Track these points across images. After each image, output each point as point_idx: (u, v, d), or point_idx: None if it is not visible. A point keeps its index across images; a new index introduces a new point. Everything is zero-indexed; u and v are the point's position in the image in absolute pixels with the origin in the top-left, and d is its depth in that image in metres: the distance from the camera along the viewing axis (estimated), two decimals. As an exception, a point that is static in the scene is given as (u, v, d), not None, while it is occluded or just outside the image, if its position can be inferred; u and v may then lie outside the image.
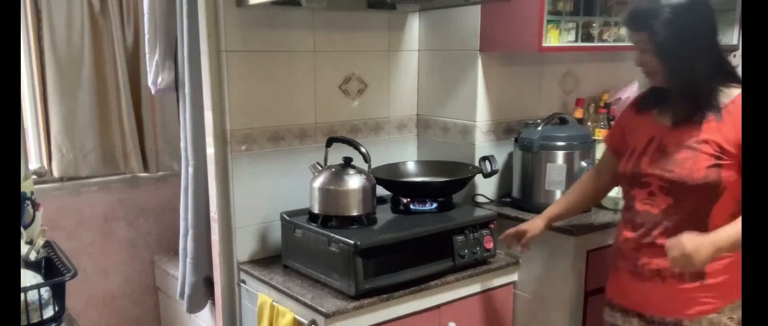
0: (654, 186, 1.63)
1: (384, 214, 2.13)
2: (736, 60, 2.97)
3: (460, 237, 2.04)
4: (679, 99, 1.60)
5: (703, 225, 1.56)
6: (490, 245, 2.11)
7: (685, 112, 1.59)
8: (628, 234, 1.71)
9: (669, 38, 1.54)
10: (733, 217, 1.54)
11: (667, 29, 1.54)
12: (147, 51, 2.59)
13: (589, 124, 2.54)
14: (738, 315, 1.61)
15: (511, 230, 1.99)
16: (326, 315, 1.78)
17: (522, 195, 2.31)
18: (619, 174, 1.76)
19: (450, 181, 2.22)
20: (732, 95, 1.56)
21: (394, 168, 2.37)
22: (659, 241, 1.62)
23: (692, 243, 1.46)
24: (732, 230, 1.48)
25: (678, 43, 1.55)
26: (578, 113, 2.52)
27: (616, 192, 2.01)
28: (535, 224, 1.96)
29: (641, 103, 1.76)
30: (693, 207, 1.58)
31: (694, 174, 1.55)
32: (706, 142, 1.55)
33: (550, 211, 1.97)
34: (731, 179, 1.54)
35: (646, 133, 1.69)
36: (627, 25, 1.65)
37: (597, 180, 1.92)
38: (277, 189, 2.20)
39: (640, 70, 1.66)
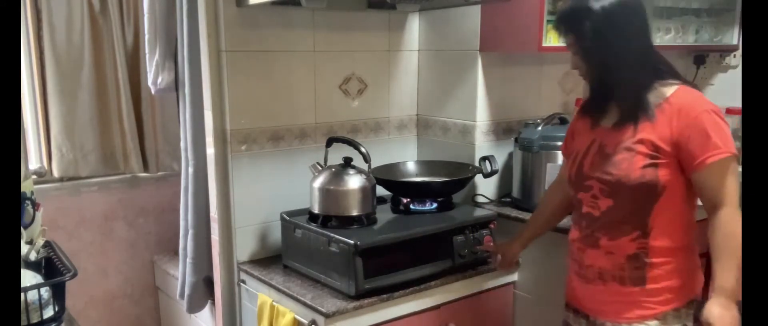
0: (596, 189, 1.61)
1: (384, 214, 2.13)
2: (736, 60, 2.98)
3: (460, 237, 2.04)
4: (613, 100, 1.59)
5: (644, 226, 1.55)
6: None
7: (620, 113, 1.57)
8: (574, 235, 1.71)
9: (595, 41, 1.52)
10: (680, 217, 1.55)
11: (593, 32, 1.51)
12: (147, 51, 2.59)
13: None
14: (681, 322, 1.58)
15: (501, 263, 2.06)
16: (326, 315, 1.78)
17: (522, 195, 2.31)
18: (566, 180, 1.74)
19: (450, 181, 2.22)
20: (666, 94, 1.53)
21: (394, 168, 2.37)
22: (602, 243, 1.61)
23: (720, 319, 1.45)
24: (733, 274, 1.46)
25: (604, 45, 1.52)
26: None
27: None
28: (510, 249, 2.00)
29: (584, 107, 1.74)
30: (633, 207, 1.56)
31: (631, 174, 1.53)
32: (641, 141, 1.53)
33: (525, 234, 1.97)
34: (669, 178, 1.51)
35: (588, 137, 1.66)
36: (556, 28, 1.64)
37: (561, 189, 1.83)
38: (277, 189, 2.20)
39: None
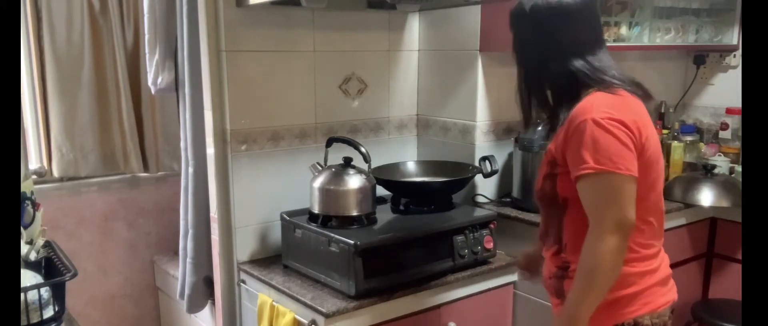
0: (539, 201, 1.59)
1: (384, 214, 2.13)
2: (736, 60, 2.97)
3: (460, 237, 2.04)
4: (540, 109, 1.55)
5: (558, 240, 1.50)
6: (490, 245, 2.11)
7: (547, 124, 1.56)
8: (539, 246, 1.68)
9: (520, 43, 1.51)
10: (585, 229, 1.39)
11: (519, 33, 1.50)
12: (147, 51, 2.59)
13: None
14: None
15: (525, 274, 1.87)
16: (326, 315, 1.78)
17: (522, 195, 2.31)
18: None
19: (450, 181, 2.22)
20: (580, 100, 1.42)
21: (394, 168, 2.37)
22: (545, 254, 1.59)
23: None
24: (574, 285, 1.38)
25: (529, 47, 1.50)
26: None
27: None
28: (532, 260, 1.84)
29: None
30: (548, 220, 1.53)
31: (537, 187, 1.52)
32: (545, 152, 1.50)
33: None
34: (569, 190, 1.41)
35: (547, 152, 1.58)
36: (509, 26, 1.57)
37: None
38: (277, 189, 2.20)
39: None
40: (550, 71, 1.48)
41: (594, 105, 1.38)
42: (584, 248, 1.37)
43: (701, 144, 2.93)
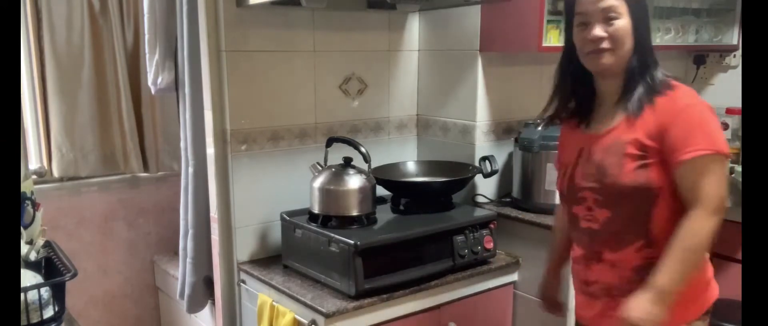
0: (590, 200, 1.50)
1: (384, 214, 2.13)
2: (736, 60, 2.98)
3: (460, 237, 2.04)
4: (625, 85, 1.46)
5: (646, 234, 1.45)
6: (490, 245, 2.11)
7: (619, 107, 1.46)
8: (577, 253, 1.61)
9: (643, 27, 1.44)
10: (676, 218, 1.39)
11: (644, 18, 1.44)
12: (147, 51, 2.59)
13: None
14: None
15: (543, 304, 1.83)
16: (326, 315, 1.78)
17: (522, 195, 2.31)
18: (560, 195, 1.62)
19: (450, 181, 2.22)
20: (660, 88, 1.42)
21: (394, 168, 2.37)
22: (605, 256, 1.51)
23: (637, 311, 1.35)
24: (669, 276, 1.36)
25: (644, 8, 1.43)
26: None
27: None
28: (551, 286, 1.80)
29: (573, 113, 1.59)
30: (631, 215, 1.45)
31: (622, 179, 1.42)
32: (629, 142, 1.42)
33: (550, 267, 1.80)
34: (662, 178, 1.40)
35: (575, 146, 1.55)
36: None
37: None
38: (277, 189, 2.20)
39: (589, 53, 1.46)
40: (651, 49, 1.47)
41: (692, 91, 1.43)
42: (685, 229, 1.36)
43: (701, 144, 2.92)
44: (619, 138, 1.45)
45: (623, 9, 1.42)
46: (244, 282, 2.17)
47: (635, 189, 1.42)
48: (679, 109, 1.39)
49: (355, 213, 1.98)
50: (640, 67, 1.45)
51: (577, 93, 1.57)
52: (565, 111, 1.61)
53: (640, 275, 1.45)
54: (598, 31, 1.42)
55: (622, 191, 1.44)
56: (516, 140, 2.32)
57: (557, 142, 2.18)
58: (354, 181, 1.98)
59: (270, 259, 2.19)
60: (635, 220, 1.46)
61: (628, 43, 1.43)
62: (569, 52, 1.54)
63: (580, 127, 1.57)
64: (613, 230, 1.49)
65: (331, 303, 1.82)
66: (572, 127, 1.60)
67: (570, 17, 1.50)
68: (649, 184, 1.41)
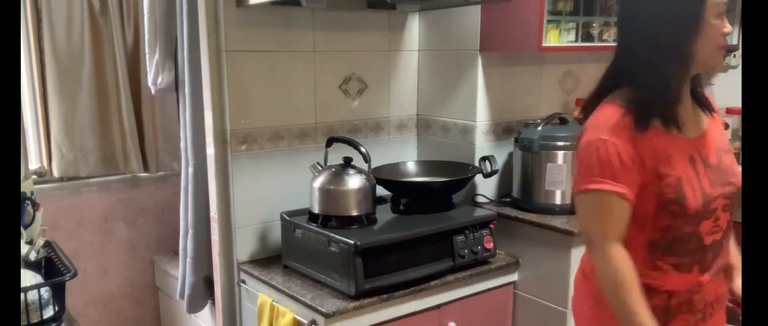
0: (719, 209, 1.38)
1: (384, 214, 2.13)
2: (736, 60, 2.98)
3: (460, 237, 2.04)
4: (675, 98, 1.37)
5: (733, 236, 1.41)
6: (490, 245, 2.11)
7: (700, 109, 1.41)
8: (705, 277, 1.39)
9: None
10: None
11: None
12: (147, 51, 2.59)
13: (589, 124, 2.54)
14: None
15: None
16: (326, 315, 1.78)
17: (522, 195, 2.31)
18: (682, 216, 1.36)
19: (450, 181, 2.22)
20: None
21: (394, 168, 2.37)
22: (719, 266, 1.42)
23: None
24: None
25: None
26: (578, 113, 2.52)
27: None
28: None
29: (638, 124, 1.34)
30: (732, 231, 1.39)
31: (739, 178, 1.35)
32: (727, 138, 1.40)
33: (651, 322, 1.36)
34: None
35: (682, 154, 1.36)
36: None
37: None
38: (277, 189, 2.20)
39: (721, 48, 1.34)
40: None
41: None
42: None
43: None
44: (718, 136, 1.42)
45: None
46: (244, 282, 2.17)
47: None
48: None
49: (355, 213, 1.98)
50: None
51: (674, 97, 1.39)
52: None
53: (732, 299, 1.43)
54: (728, 24, 1.34)
55: (740, 191, 1.39)
56: (516, 140, 2.32)
57: (558, 142, 2.20)
58: (354, 181, 1.98)
59: (270, 259, 2.19)
60: (727, 237, 1.43)
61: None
62: (687, 56, 1.35)
63: (671, 133, 1.37)
64: (729, 234, 1.42)
65: (331, 303, 1.82)
66: (658, 133, 1.36)
67: (698, 18, 1.32)
68: None
